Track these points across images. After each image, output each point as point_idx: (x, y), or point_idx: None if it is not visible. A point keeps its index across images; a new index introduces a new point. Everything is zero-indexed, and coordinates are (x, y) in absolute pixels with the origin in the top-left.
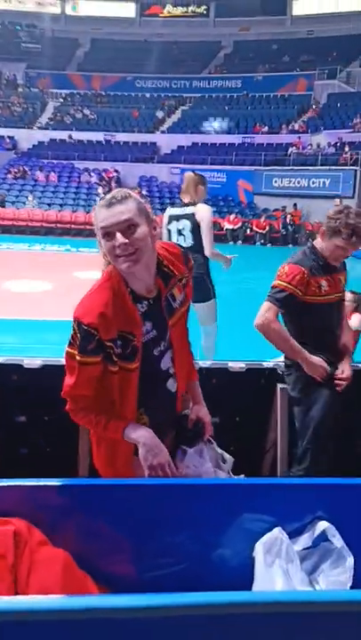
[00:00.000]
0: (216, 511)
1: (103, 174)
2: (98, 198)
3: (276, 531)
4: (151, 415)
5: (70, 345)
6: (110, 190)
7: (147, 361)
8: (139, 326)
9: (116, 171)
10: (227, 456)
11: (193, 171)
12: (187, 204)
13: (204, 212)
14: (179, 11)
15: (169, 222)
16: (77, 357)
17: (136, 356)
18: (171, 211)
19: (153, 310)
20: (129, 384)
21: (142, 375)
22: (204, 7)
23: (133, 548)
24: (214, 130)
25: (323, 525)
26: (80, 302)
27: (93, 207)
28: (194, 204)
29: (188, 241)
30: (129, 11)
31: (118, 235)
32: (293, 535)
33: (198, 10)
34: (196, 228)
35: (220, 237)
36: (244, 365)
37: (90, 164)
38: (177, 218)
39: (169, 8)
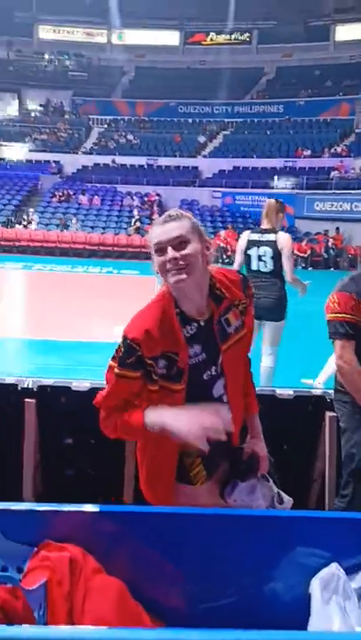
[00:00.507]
0: (270, 543)
1: (145, 198)
2: (133, 220)
3: (333, 566)
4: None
5: (112, 358)
6: (152, 214)
7: (196, 385)
8: (183, 348)
9: (158, 194)
10: (285, 497)
11: (275, 198)
12: (266, 231)
13: (285, 241)
14: (222, 38)
15: (248, 247)
16: (115, 370)
17: (182, 377)
18: (250, 236)
19: (203, 333)
20: (171, 403)
21: (192, 400)
22: (247, 34)
23: (185, 579)
24: (256, 154)
25: None
26: (131, 319)
27: (146, 227)
28: (274, 230)
29: (268, 266)
30: (173, 39)
31: (169, 249)
32: (350, 571)
33: (241, 37)
34: (276, 255)
35: None
36: (292, 392)
37: (132, 188)
38: (257, 244)
39: (212, 36)
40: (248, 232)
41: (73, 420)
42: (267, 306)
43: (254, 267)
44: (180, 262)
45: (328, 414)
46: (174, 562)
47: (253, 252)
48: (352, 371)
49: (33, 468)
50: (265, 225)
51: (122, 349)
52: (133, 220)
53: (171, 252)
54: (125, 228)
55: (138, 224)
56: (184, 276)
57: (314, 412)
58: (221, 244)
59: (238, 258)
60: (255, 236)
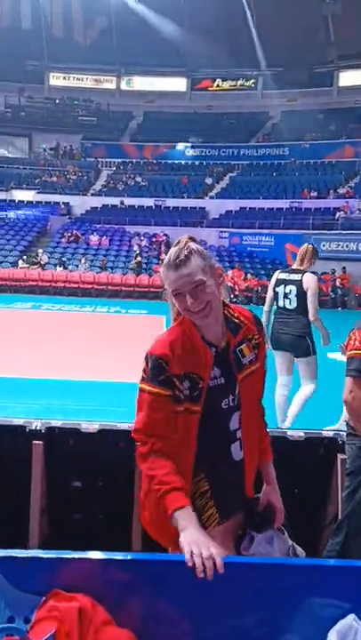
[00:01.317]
0: (285, 593)
1: (153, 238)
2: (134, 254)
3: (350, 618)
4: (213, 483)
5: (142, 380)
6: (160, 254)
7: (214, 412)
8: (208, 367)
9: (166, 235)
10: (299, 550)
11: (310, 243)
12: (295, 271)
13: (311, 282)
14: (228, 84)
15: (277, 285)
16: (148, 388)
17: (200, 397)
18: (279, 275)
19: (221, 359)
20: (190, 427)
21: (209, 429)
22: (252, 81)
23: (198, 631)
24: (262, 195)
25: None
26: (155, 340)
27: (154, 267)
28: (302, 271)
29: (292, 304)
30: (180, 85)
31: (188, 297)
32: None
33: (247, 83)
34: (301, 293)
35: None
36: (303, 434)
37: (140, 229)
38: (284, 282)
39: (218, 82)
40: (278, 271)
41: (81, 462)
42: (290, 341)
43: (281, 303)
44: (200, 305)
45: (340, 456)
46: (186, 612)
47: (281, 289)
48: (359, 406)
49: (40, 513)
50: (296, 266)
51: (149, 368)
52: (135, 255)
53: (189, 300)
54: (133, 269)
55: (139, 258)
56: (207, 319)
57: (325, 455)
58: (229, 284)
59: (269, 294)
60: (283, 275)
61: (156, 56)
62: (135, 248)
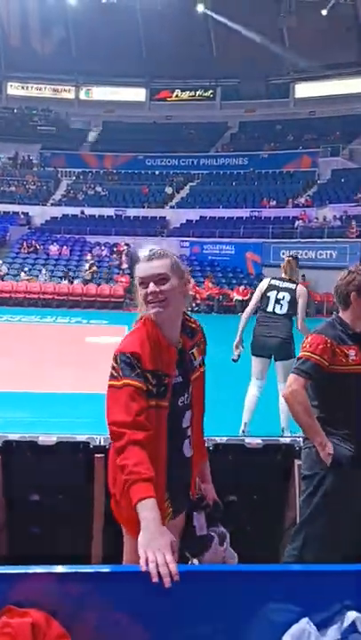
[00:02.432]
0: (241, 599)
1: (114, 248)
2: (87, 265)
3: (304, 621)
4: (168, 477)
5: (112, 378)
6: (121, 263)
7: (173, 408)
8: (173, 365)
9: (127, 244)
10: (222, 529)
11: (290, 255)
12: (285, 280)
13: (304, 292)
14: (186, 95)
15: (269, 289)
16: (124, 381)
17: (167, 393)
18: (271, 281)
19: (180, 359)
20: (161, 422)
21: (168, 425)
22: (210, 91)
23: None
24: (222, 204)
25: (352, 615)
26: (121, 341)
27: (115, 277)
28: (293, 281)
29: (283, 309)
30: (139, 95)
31: (151, 284)
32: (322, 626)
33: (205, 94)
34: (293, 301)
35: (229, 308)
36: (260, 441)
37: (101, 239)
38: (277, 288)
39: (177, 93)
40: (269, 278)
41: (40, 475)
42: (275, 344)
43: (270, 308)
44: (159, 296)
45: (297, 462)
46: (142, 623)
47: (272, 294)
48: (295, 397)
49: None
50: (284, 276)
51: (120, 366)
52: (88, 265)
53: (151, 287)
54: (94, 279)
55: (94, 268)
56: (161, 309)
57: (283, 461)
58: (190, 293)
59: (256, 297)
60: (276, 282)
61: (115, 66)
62: (89, 257)
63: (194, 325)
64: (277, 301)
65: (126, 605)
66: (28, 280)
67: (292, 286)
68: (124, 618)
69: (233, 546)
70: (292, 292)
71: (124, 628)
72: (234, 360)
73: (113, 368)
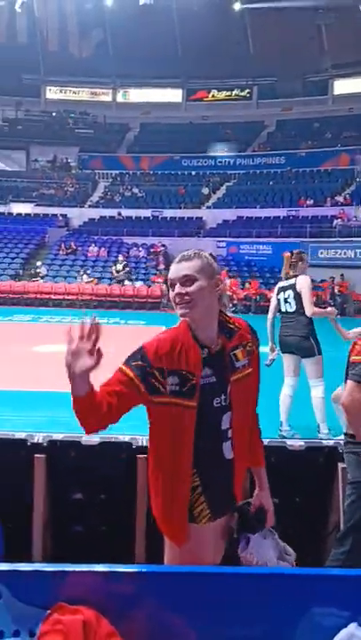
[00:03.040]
0: (286, 604)
1: (151, 249)
2: (118, 270)
3: (352, 627)
4: (204, 479)
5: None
6: (158, 264)
7: (206, 409)
8: (198, 365)
9: (164, 245)
10: (289, 549)
11: (290, 250)
12: (289, 277)
13: (302, 282)
14: (223, 95)
15: (278, 293)
16: (121, 366)
17: (194, 394)
18: (280, 283)
19: (214, 360)
20: (183, 422)
21: (202, 425)
22: (247, 90)
23: None
24: (259, 204)
25: None
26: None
27: (152, 278)
28: (294, 276)
29: (292, 307)
30: (176, 96)
31: (177, 285)
32: None
33: (242, 93)
34: (297, 296)
35: (267, 309)
36: (303, 444)
37: (138, 240)
38: (283, 289)
39: (213, 92)
40: (281, 281)
41: (83, 475)
42: (294, 342)
43: (283, 309)
44: (185, 297)
45: (340, 465)
46: (190, 624)
47: (281, 295)
48: (358, 405)
49: (42, 526)
50: (290, 273)
51: (131, 354)
52: (122, 266)
53: (177, 288)
54: (131, 279)
55: (127, 268)
56: (187, 310)
57: (326, 464)
58: (228, 293)
59: (272, 303)
60: (282, 283)
61: (152, 67)
62: (120, 258)
63: (232, 326)
64: (285, 301)
65: (174, 606)
66: (91, 283)
67: (293, 282)
68: (171, 618)
69: None
70: (293, 288)
71: (170, 628)
72: (267, 365)
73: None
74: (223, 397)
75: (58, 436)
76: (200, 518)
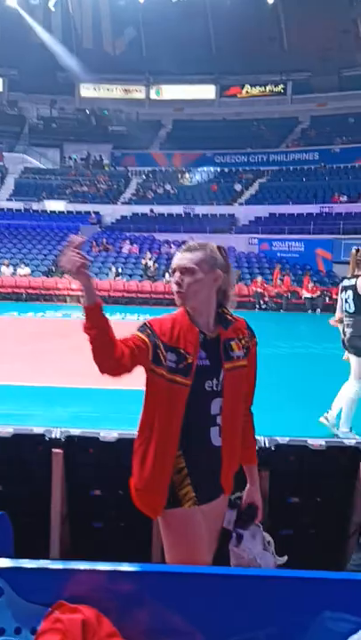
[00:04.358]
0: (297, 607)
1: (182, 245)
2: (151, 265)
3: None
4: (190, 461)
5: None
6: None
7: (198, 390)
8: (194, 345)
9: None
10: (268, 537)
11: (358, 248)
12: (352, 277)
13: None
14: (257, 90)
15: (340, 292)
16: (133, 333)
17: (190, 372)
18: (344, 282)
19: (210, 345)
20: (179, 399)
21: (192, 405)
22: (281, 86)
23: None
24: (292, 200)
25: None
26: None
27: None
28: (357, 276)
29: (351, 307)
30: (209, 93)
31: (176, 273)
32: None
33: (276, 89)
34: (356, 297)
35: (299, 306)
36: (324, 443)
37: (170, 236)
38: (345, 289)
39: (247, 88)
40: (345, 279)
41: (101, 470)
42: (350, 341)
43: (344, 308)
44: (180, 287)
45: None
46: (194, 625)
47: (343, 295)
48: None
49: (60, 521)
50: (353, 273)
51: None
52: (153, 262)
53: (176, 277)
54: (163, 276)
55: (155, 264)
56: (185, 302)
57: (348, 464)
58: (259, 290)
59: (338, 301)
60: (345, 282)
61: (185, 64)
62: (148, 255)
63: (230, 318)
64: (345, 301)
65: (178, 606)
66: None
67: (354, 282)
68: (174, 619)
69: (294, 548)
70: (354, 289)
71: (174, 630)
72: (344, 359)
73: None
74: (215, 382)
75: (75, 432)
76: (185, 500)
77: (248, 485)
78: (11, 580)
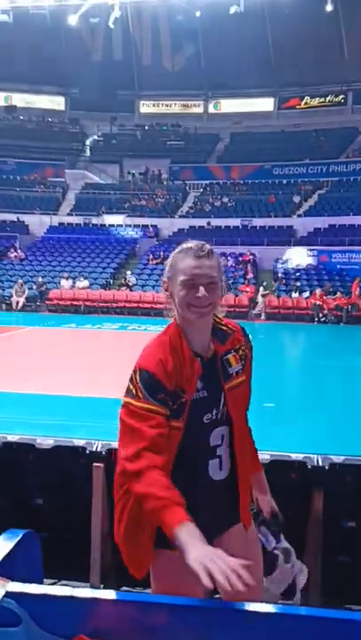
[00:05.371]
0: None
1: (240, 258)
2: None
3: None
4: (192, 500)
5: (130, 396)
6: (246, 273)
7: (193, 425)
8: (193, 381)
9: (253, 254)
10: (304, 568)
11: None
12: None
13: None
14: (316, 101)
15: None
16: (144, 405)
17: (183, 413)
18: None
19: (207, 369)
20: (172, 444)
21: (187, 444)
22: (341, 96)
23: None
24: (352, 211)
25: None
26: (144, 352)
27: (240, 287)
28: None
29: None
30: (267, 105)
31: (201, 288)
32: None
33: (336, 99)
34: None
35: (359, 319)
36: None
37: (227, 249)
38: None
39: (306, 99)
40: None
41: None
42: None
43: None
44: (207, 302)
45: None
46: None
47: None
48: None
49: (101, 539)
50: None
51: (142, 384)
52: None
53: (202, 291)
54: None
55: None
56: (205, 314)
57: None
58: (317, 303)
59: None
60: None
61: (244, 77)
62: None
63: (225, 328)
64: None
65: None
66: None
67: None
68: None
69: (351, 578)
70: None
71: None
72: None
73: (131, 382)
74: (215, 412)
75: (116, 445)
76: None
77: (260, 496)
78: (32, 608)
